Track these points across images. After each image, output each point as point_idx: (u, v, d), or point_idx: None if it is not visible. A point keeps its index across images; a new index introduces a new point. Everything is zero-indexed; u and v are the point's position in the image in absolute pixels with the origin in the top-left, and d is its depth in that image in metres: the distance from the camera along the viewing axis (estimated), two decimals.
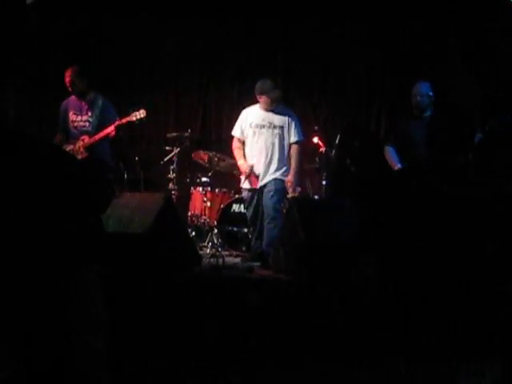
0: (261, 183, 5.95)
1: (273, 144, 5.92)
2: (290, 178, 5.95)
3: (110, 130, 5.83)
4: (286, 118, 5.94)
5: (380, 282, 4.47)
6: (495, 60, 6.95)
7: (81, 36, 7.40)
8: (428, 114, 5.85)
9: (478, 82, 7.04)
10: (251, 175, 5.96)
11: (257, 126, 5.97)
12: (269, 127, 5.93)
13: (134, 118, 5.88)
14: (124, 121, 5.87)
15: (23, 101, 7.30)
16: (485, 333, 4.08)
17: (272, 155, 5.92)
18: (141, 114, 5.89)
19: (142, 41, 7.66)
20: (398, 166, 5.85)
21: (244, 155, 6.07)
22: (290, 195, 5.95)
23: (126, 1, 7.42)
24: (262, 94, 5.93)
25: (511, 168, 4.69)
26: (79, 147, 5.89)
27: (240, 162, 6.06)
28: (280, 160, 5.93)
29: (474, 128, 5.62)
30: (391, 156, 5.98)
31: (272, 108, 5.94)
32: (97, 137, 5.87)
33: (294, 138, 5.95)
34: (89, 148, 5.89)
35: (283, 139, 5.94)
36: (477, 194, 4.64)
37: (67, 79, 5.96)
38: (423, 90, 5.84)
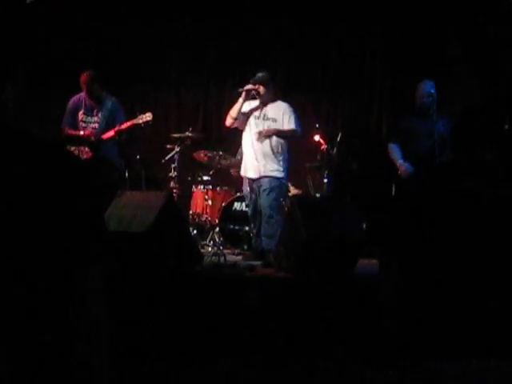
0: (256, 176, 5.89)
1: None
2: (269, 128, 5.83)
3: (111, 134, 5.93)
4: (281, 110, 5.88)
5: (405, 285, 4.42)
6: (496, 60, 6.94)
7: (83, 36, 7.40)
8: (432, 111, 5.83)
9: (479, 83, 7.03)
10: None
11: (253, 116, 5.95)
12: (263, 119, 5.91)
13: (141, 121, 5.95)
14: (125, 126, 5.93)
15: (24, 98, 7.32)
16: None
17: (265, 148, 5.85)
18: (147, 116, 5.94)
19: (144, 41, 7.66)
20: (400, 162, 5.81)
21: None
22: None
23: (128, 3, 7.43)
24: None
25: None
26: (84, 147, 5.94)
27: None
28: (273, 155, 5.84)
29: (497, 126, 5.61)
30: (395, 153, 5.94)
31: (266, 100, 5.88)
32: (102, 136, 5.94)
33: (288, 126, 5.84)
34: (95, 147, 5.91)
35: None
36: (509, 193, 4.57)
37: (84, 84, 5.98)
38: (429, 89, 5.84)
